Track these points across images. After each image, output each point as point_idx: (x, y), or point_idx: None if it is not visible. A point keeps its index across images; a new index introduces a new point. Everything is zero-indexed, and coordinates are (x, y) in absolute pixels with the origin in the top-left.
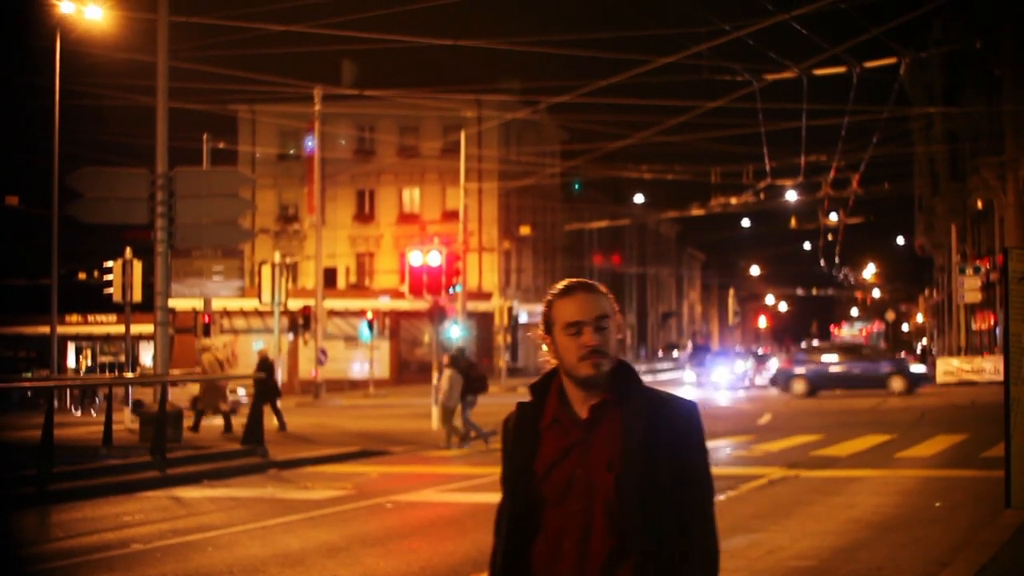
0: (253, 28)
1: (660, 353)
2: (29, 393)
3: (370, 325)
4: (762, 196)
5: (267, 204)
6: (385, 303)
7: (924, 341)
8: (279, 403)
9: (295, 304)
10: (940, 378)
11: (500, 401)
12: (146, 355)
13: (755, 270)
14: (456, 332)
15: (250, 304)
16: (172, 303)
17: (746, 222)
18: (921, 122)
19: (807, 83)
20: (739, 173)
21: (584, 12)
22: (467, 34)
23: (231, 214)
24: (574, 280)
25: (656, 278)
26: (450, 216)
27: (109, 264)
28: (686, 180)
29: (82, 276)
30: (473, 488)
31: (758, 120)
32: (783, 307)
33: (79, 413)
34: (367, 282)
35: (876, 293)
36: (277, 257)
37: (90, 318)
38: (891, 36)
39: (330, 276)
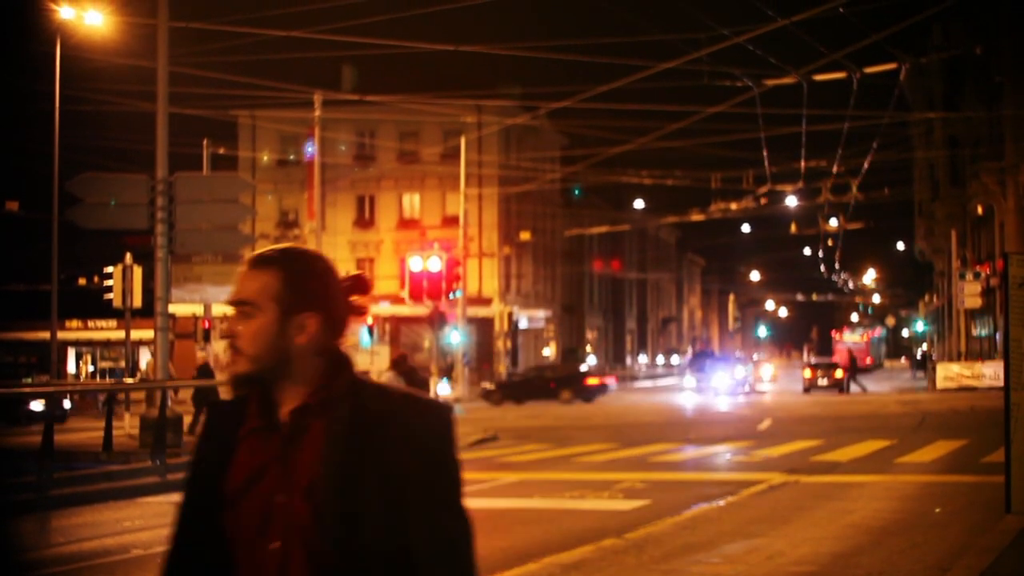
0: (253, 34)
1: (661, 358)
2: (29, 404)
3: (370, 331)
4: (762, 201)
5: (267, 209)
6: (385, 308)
7: (924, 346)
8: None
9: None
10: (940, 383)
11: (499, 408)
12: (146, 360)
13: (755, 276)
14: (456, 337)
15: None
16: (172, 309)
17: (746, 227)
18: (921, 127)
19: (807, 88)
20: (739, 178)
21: (585, 18)
22: (467, 39)
23: (231, 220)
24: (268, 249)
25: (656, 284)
26: (450, 221)
27: (109, 270)
28: (686, 185)
29: (82, 282)
30: (472, 494)
31: (758, 125)
32: (783, 313)
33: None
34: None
35: (876, 299)
36: None
37: (90, 323)
38: (891, 42)
39: None
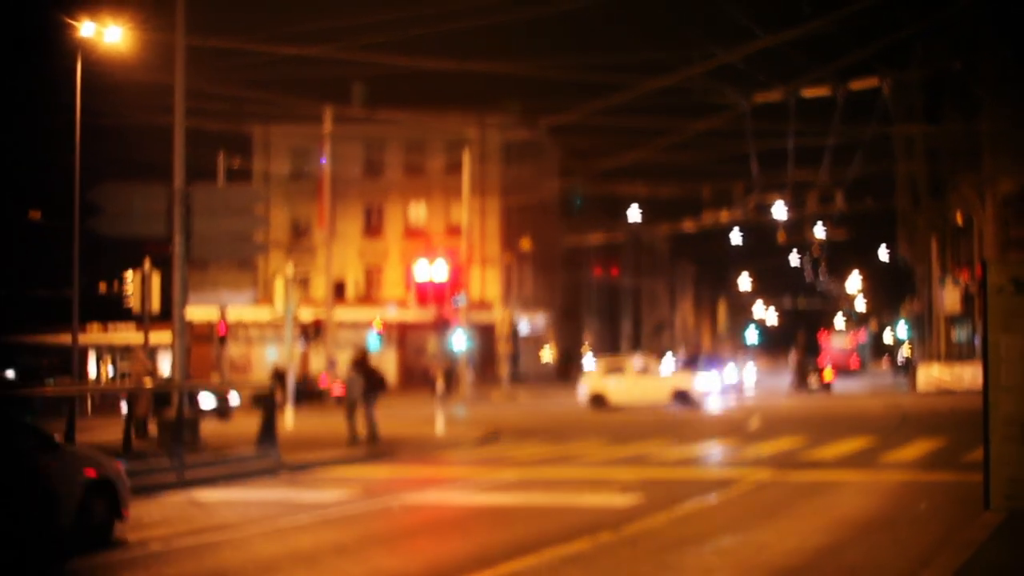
0: (268, 52)
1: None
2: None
3: (378, 336)
4: (751, 211)
5: (280, 218)
6: (392, 314)
7: (905, 350)
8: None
9: (306, 314)
10: (921, 386)
11: (500, 409)
12: (164, 363)
13: (745, 282)
14: (460, 341)
15: (263, 315)
16: (188, 315)
17: (736, 236)
18: (903, 140)
19: (795, 103)
20: (729, 190)
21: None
22: (471, 54)
23: (245, 229)
24: None
25: (651, 290)
26: (454, 230)
27: (128, 276)
28: (679, 196)
29: (102, 287)
30: (475, 490)
31: (748, 138)
32: (772, 318)
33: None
34: (375, 293)
35: (860, 304)
36: (290, 270)
37: (110, 327)
38: (875, 58)
39: (340, 288)
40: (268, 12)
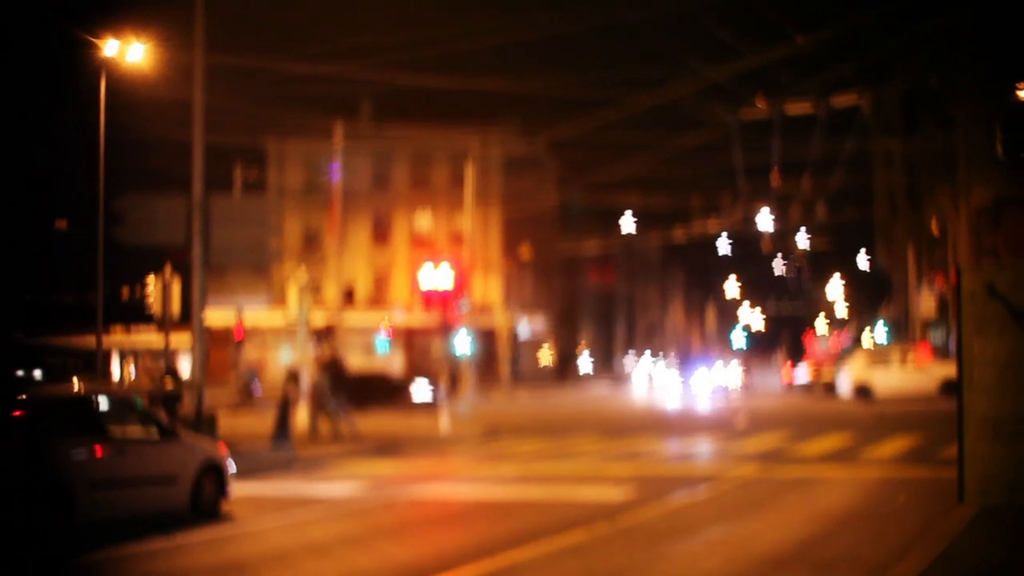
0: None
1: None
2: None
3: (387, 340)
4: (738, 222)
5: (293, 227)
6: (399, 317)
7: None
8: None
9: (318, 317)
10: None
11: (501, 407)
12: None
13: (732, 288)
14: (464, 344)
15: (278, 320)
16: (207, 319)
17: (724, 244)
18: (882, 153)
19: (779, 119)
20: (717, 201)
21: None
22: (474, 73)
23: (260, 238)
24: None
25: (643, 295)
26: (457, 238)
27: (150, 282)
28: (670, 206)
29: (125, 292)
30: (478, 484)
31: (735, 153)
32: (759, 321)
33: None
34: (383, 298)
35: (841, 310)
36: (302, 277)
37: (132, 330)
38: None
39: (350, 293)
40: (284, 32)
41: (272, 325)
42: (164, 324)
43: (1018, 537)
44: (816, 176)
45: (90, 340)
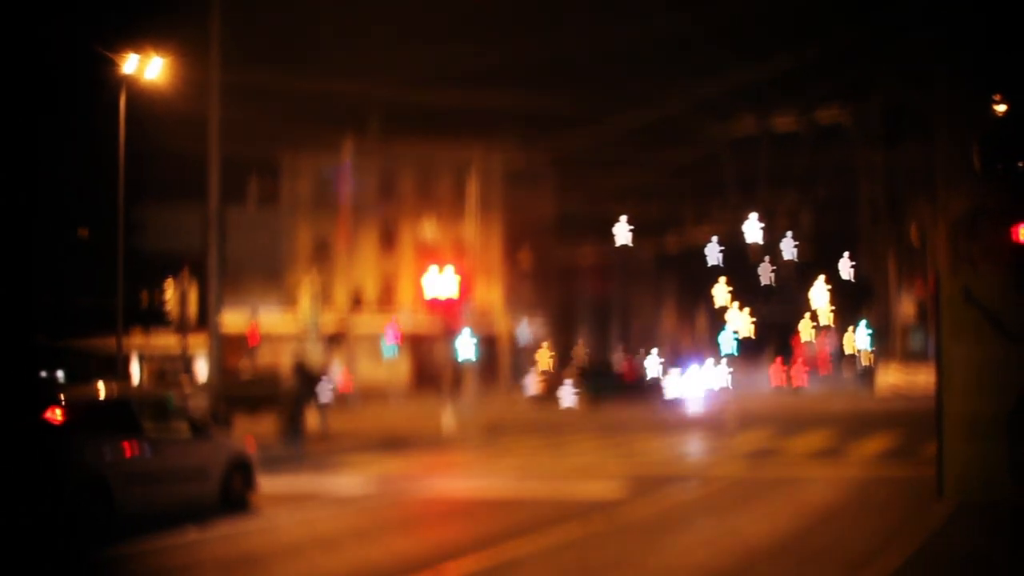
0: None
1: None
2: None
3: (395, 345)
4: (726, 229)
5: (304, 235)
6: (405, 322)
7: (865, 360)
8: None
9: (328, 320)
10: (878, 392)
11: (502, 408)
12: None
13: (722, 293)
14: (467, 348)
15: (290, 325)
16: (222, 324)
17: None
18: (864, 165)
19: (766, 135)
20: (708, 210)
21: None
22: (476, 83)
23: (272, 246)
24: None
25: (637, 300)
26: (460, 246)
27: (167, 287)
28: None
29: (144, 297)
30: (480, 480)
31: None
32: (748, 325)
33: None
34: (390, 303)
35: (825, 316)
36: (313, 283)
37: (151, 334)
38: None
39: (358, 298)
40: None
41: (285, 331)
42: (182, 328)
43: (994, 530)
44: (802, 185)
45: (110, 343)
